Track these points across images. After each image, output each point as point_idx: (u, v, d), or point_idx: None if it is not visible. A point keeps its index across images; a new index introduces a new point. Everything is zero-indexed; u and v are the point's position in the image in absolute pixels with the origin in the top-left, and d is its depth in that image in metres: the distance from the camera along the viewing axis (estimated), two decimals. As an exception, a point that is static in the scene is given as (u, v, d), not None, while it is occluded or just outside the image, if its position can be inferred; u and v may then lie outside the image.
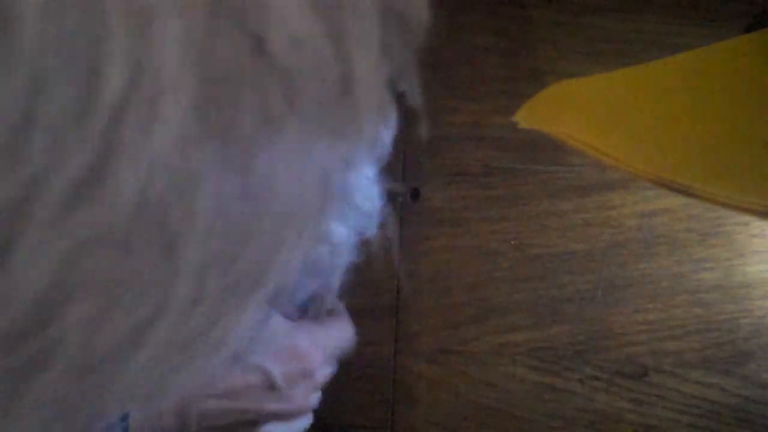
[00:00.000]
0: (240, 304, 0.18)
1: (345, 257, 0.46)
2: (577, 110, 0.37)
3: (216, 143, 0.14)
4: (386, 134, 0.45)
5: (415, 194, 0.56)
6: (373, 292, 0.57)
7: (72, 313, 0.13)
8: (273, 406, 0.43)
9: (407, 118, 0.59)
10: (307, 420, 0.46)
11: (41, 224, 0.12)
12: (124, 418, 0.38)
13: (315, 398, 0.46)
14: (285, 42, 0.15)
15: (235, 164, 0.15)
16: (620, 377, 0.52)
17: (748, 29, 0.47)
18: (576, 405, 0.53)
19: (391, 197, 0.56)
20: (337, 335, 0.47)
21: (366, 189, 0.44)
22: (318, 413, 0.59)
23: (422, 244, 0.56)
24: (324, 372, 0.46)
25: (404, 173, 0.56)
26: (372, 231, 0.45)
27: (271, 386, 0.43)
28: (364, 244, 0.57)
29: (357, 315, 0.57)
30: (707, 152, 0.35)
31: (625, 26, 0.51)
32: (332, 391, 0.58)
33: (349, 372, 0.57)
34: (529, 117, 0.36)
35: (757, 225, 0.50)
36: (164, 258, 0.14)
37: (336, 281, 0.46)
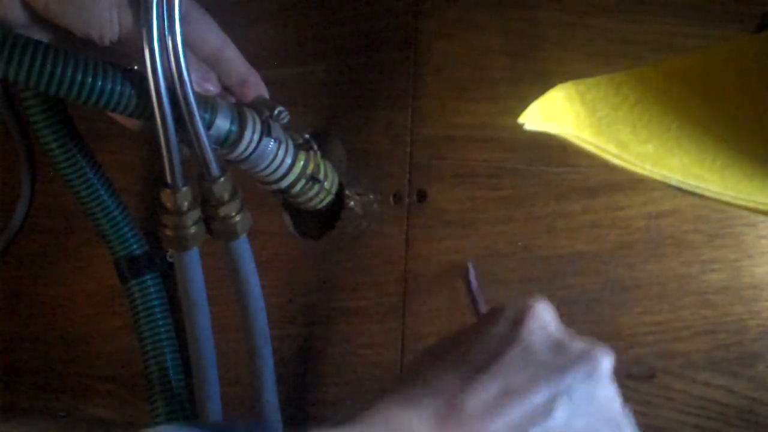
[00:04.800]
0: None
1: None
2: (584, 111, 0.37)
3: None
4: None
5: (422, 196, 0.56)
6: (379, 293, 0.57)
7: None
8: None
9: (413, 119, 0.59)
10: None
11: None
12: None
13: None
14: None
15: None
16: (628, 378, 0.52)
17: (758, 30, 0.47)
18: (583, 406, 0.53)
19: (396, 198, 0.56)
20: None
21: None
22: (326, 416, 0.59)
23: (429, 245, 0.56)
24: None
25: (411, 174, 0.56)
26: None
27: None
28: (370, 245, 0.57)
29: (363, 317, 0.57)
30: (714, 152, 0.35)
31: (633, 27, 0.51)
32: (339, 393, 0.58)
33: (356, 374, 0.57)
34: (535, 118, 0.36)
35: (766, 226, 0.50)
36: None
37: None
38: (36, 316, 0.64)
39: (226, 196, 0.47)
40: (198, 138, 0.43)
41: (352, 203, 0.57)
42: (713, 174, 0.35)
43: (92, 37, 0.39)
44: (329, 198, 0.54)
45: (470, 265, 0.52)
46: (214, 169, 0.45)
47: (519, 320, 0.36)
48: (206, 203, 0.47)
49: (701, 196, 0.34)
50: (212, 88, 0.45)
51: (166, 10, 0.41)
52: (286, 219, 0.59)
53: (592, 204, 0.52)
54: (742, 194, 0.34)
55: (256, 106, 0.48)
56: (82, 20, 0.39)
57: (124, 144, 0.62)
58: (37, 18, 0.39)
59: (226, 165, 0.47)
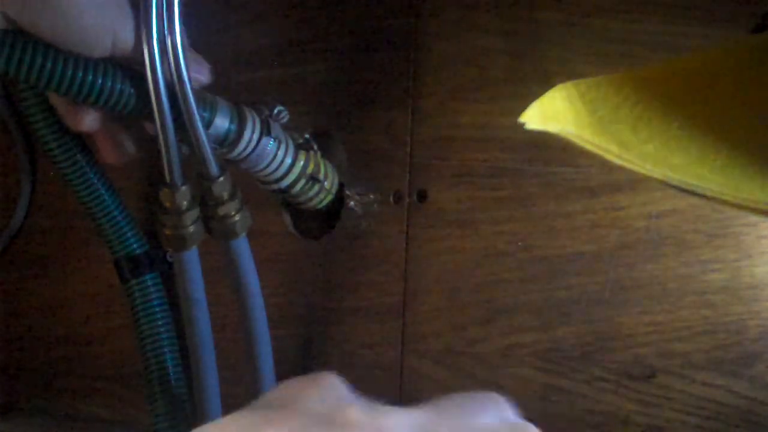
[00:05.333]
0: None
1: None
2: (585, 111, 0.37)
3: None
4: None
5: (422, 196, 0.56)
6: (379, 293, 0.57)
7: None
8: None
9: (413, 119, 0.59)
10: None
11: None
12: None
13: None
14: None
15: None
16: (627, 378, 0.52)
17: (756, 30, 0.47)
18: (583, 406, 0.53)
19: (397, 197, 0.56)
20: None
21: None
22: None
23: (429, 245, 0.56)
24: None
25: (411, 174, 0.56)
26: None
27: None
28: (370, 245, 0.57)
29: (363, 316, 0.57)
30: (715, 152, 0.35)
31: (633, 27, 0.51)
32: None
33: (355, 374, 0.57)
34: (536, 118, 0.36)
35: (766, 226, 0.50)
36: None
37: None
38: (36, 316, 0.64)
39: (225, 196, 0.47)
40: (197, 137, 0.43)
41: (352, 203, 0.57)
42: (714, 174, 0.35)
43: (81, 53, 0.39)
44: (329, 198, 0.54)
45: None
46: (214, 168, 0.45)
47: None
48: (205, 203, 0.47)
49: (702, 196, 0.34)
50: (204, 79, 0.45)
51: (166, 10, 0.41)
52: (286, 219, 0.59)
53: (592, 204, 0.52)
54: (743, 194, 0.34)
55: (256, 105, 0.48)
56: (71, 40, 0.38)
57: (124, 144, 0.62)
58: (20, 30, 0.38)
59: (225, 164, 0.47)
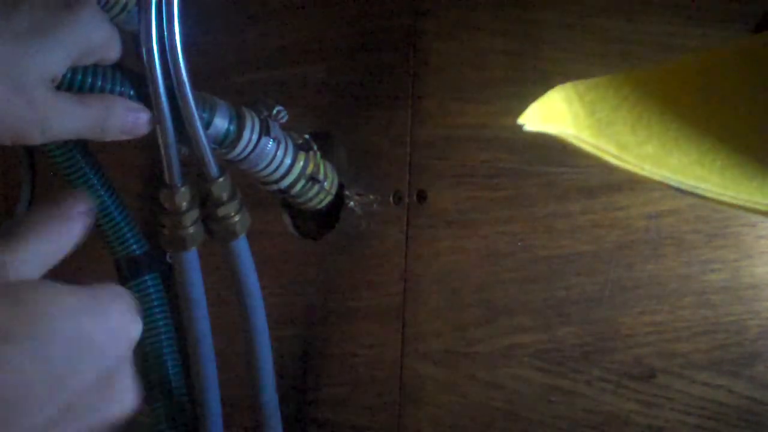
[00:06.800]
0: None
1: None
2: (583, 112, 0.37)
3: None
4: None
5: (422, 196, 0.56)
6: (379, 293, 0.57)
7: None
8: None
9: (413, 119, 0.59)
10: None
11: None
12: None
13: None
14: None
15: None
16: (627, 379, 0.52)
17: (758, 30, 0.47)
18: (583, 406, 0.53)
19: (397, 198, 0.56)
20: None
21: None
22: (326, 416, 0.59)
23: (429, 245, 0.56)
24: None
25: (411, 175, 0.56)
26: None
27: None
28: (370, 245, 0.57)
29: (363, 317, 0.57)
30: (714, 152, 0.35)
31: (632, 28, 0.51)
32: (339, 393, 0.58)
33: (355, 374, 0.57)
34: (535, 119, 0.36)
35: (765, 226, 0.50)
36: None
37: None
38: (36, 316, 0.64)
39: (225, 197, 0.47)
40: (197, 138, 0.43)
41: (352, 203, 0.57)
42: (713, 174, 0.35)
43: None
44: (329, 198, 0.54)
45: None
46: (213, 169, 0.45)
47: None
48: (205, 203, 0.47)
49: (701, 197, 0.34)
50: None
51: (165, 10, 0.41)
52: (286, 219, 0.59)
53: (592, 204, 0.52)
54: (742, 194, 0.34)
55: (255, 105, 0.48)
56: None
57: (124, 144, 0.62)
58: None
59: (225, 165, 0.47)
